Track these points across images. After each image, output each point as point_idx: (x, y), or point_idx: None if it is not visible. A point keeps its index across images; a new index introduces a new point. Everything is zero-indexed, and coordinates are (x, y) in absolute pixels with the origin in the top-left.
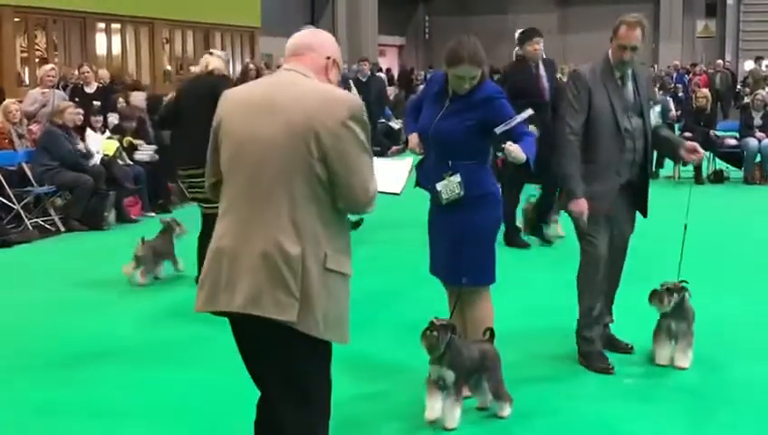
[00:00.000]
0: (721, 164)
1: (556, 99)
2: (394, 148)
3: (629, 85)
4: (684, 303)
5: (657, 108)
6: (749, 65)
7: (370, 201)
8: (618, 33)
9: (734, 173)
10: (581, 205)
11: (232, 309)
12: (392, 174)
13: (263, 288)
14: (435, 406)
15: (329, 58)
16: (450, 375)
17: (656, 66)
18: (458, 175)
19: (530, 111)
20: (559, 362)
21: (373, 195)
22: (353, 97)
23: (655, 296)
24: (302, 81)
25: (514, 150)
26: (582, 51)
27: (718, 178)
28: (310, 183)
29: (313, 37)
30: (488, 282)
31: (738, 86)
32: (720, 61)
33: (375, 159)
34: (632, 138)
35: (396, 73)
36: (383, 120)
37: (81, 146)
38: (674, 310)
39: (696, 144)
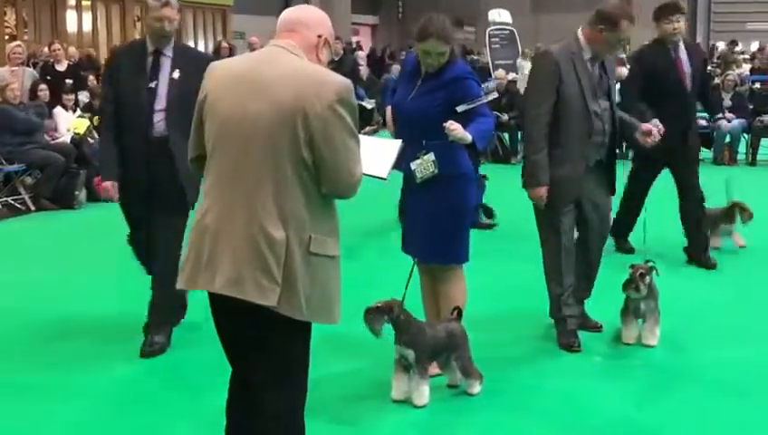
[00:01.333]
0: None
1: (703, 90)
2: (368, 128)
3: (597, 68)
4: (651, 281)
5: (617, 86)
6: (721, 47)
7: (355, 186)
8: (619, 27)
9: (704, 154)
10: (542, 192)
11: (212, 289)
12: (379, 156)
13: (244, 271)
14: (399, 386)
15: (320, 37)
16: (410, 354)
17: (628, 48)
18: (432, 154)
19: (495, 94)
20: (531, 341)
21: (358, 180)
22: (342, 79)
23: (630, 286)
24: (290, 59)
25: (456, 129)
26: (556, 31)
27: None
28: (295, 165)
29: (307, 14)
30: (461, 261)
31: (708, 67)
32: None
33: (364, 137)
34: (601, 120)
35: (366, 52)
36: (356, 101)
37: (48, 122)
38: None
39: (649, 126)
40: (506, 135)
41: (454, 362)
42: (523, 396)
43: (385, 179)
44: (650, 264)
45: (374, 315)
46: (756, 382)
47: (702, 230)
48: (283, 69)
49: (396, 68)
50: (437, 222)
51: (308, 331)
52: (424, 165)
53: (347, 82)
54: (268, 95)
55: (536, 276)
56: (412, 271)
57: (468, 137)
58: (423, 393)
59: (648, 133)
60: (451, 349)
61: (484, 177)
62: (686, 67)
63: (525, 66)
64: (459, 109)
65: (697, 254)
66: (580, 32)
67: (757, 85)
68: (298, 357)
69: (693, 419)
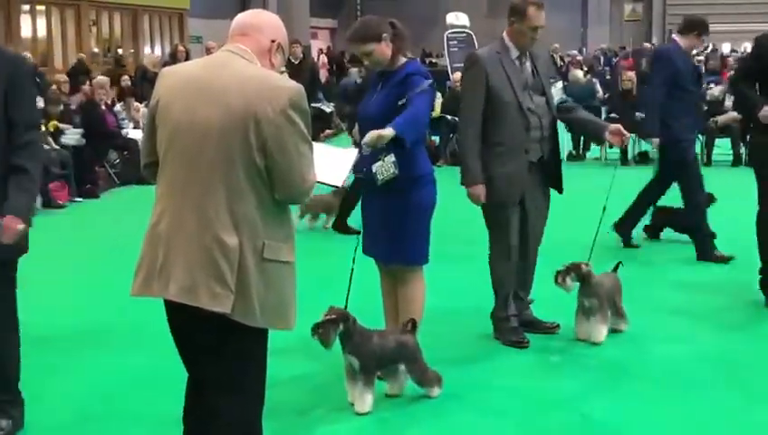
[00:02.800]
0: (646, 145)
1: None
2: (327, 131)
3: (527, 65)
4: (590, 279)
5: (559, 84)
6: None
7: (308, 191)
8: (527, 15)
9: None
10: (479, 190)
11: (166, 296)
12: (335, 165)
13: (198, 278)
14: (352, 391)
15: (274, 41)
16: (355, 362)
17: (584, 49)
18: (392, 155)
19: (427, 82)
20: (480, 340)
21: (311, 185)
22: (294, 84)
23: (557, 278)
24: (242, 64)
25: (369, 139)
26: None
27: (643, 159)
28: (248, 172)
29: (261, 18)
30: (421, 262)
31: None
32: (647, 44)
33: (321, 145)
34: (537, 115)
35: (325, 56)
36: (315, 104)
37: None
38: (584, 287)
39: (619, 126)
40: None
41: (403, 374)
42: (484, 395)
43: (338, 187)
44: (585, 263)
45: (326, 329)
46: (707, 374)
47: None
48: (235, 74)
49: (354, 72)
50: (397, 223)
51: (264, 337)
52: (385, 166)
53: (299, 87)
54: (219, 101)
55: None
56: (352, 275)
57: (387, 133)
58: (366, 401)
59: (618, 133)
60: (401, 360)
61: (711, 197)
62: None
63: None
64: (400, 102)
65: None
66: (505, 32)
67: (712, 86)
68: (253, 363)
69: (645, 413)
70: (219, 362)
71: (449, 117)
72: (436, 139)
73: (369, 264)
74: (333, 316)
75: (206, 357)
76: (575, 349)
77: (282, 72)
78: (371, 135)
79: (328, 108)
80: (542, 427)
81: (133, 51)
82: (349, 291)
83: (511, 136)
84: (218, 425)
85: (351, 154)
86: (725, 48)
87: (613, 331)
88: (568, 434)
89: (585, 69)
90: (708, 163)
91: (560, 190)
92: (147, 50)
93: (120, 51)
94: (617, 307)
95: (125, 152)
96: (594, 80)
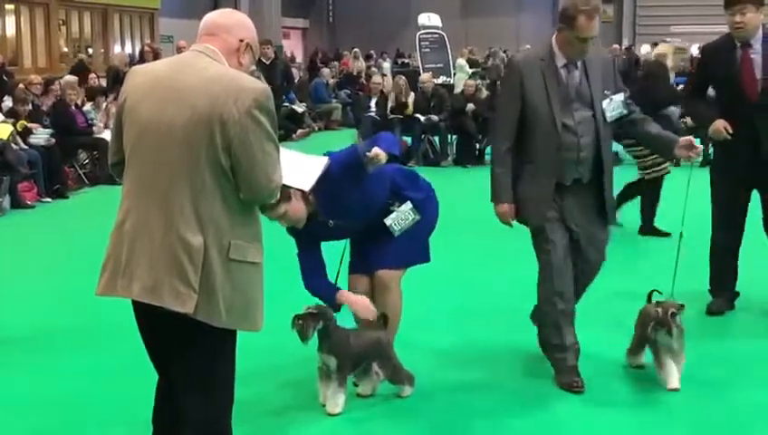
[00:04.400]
0: (616, 147)
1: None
2: (299, 131)
3: (576, 74)
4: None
5: (620, 96)
6: (645, 49)
7: (273, 192)
8: (576, 24)
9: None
10: (505, 208)
11: (129, 296)
12: (304, 169)
13: (162, 278)
14: (324, 391)
15: (242, 41)
16: (332, 361)
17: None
18: (408, 203)
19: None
20: (461, 341)
21: (277, 185)
22: (260, 85)
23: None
24: (208, 64)
25: (375, 156)
26: (485, 34)
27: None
28: (213, 172)
29: (229, 18)
30: (425, 259)
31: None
32: (616, 45)
33: (291, 152)
34: (574, 133)
35: (300, 56)
36: (287, 104)
37: None
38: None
39: (690, 138)
40: (437, 138)
41: (375, 374)
42: (457, 396)
43: (305, 192)
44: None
45: (306, 321)
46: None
47: None
48: (201, 74)
49: (326, 72)
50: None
51: (232, 336)
52: (401, 216)
53: (265, 87)
54: (185, 101)
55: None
56: (342, 258)
57: (383, 155)
58: (338, 402)
59: (690, 146)
60: (374, 357)
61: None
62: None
63: (464, 65)
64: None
65: None
66: (553, 36)
67: (680, 87)
68: (220, 365)
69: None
70: (186, 362)
71: (421, 117)
72: (408, 139)
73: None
74: (315, 311)
75: (173, 357)
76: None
77: (252, 72)
78: (378, 155)
79: (300, 108)
80: (516, 427)
81: (103, 50)
82: (338, 275)
83: (541, 154)
84: (187, 425)
85: (322, 162)
86: (694, 50)
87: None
88: None
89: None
90: (677, 164)
91: (606, 220)
92: (117, 49)
93: (89, 50)
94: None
95: (95, 152)
96: None
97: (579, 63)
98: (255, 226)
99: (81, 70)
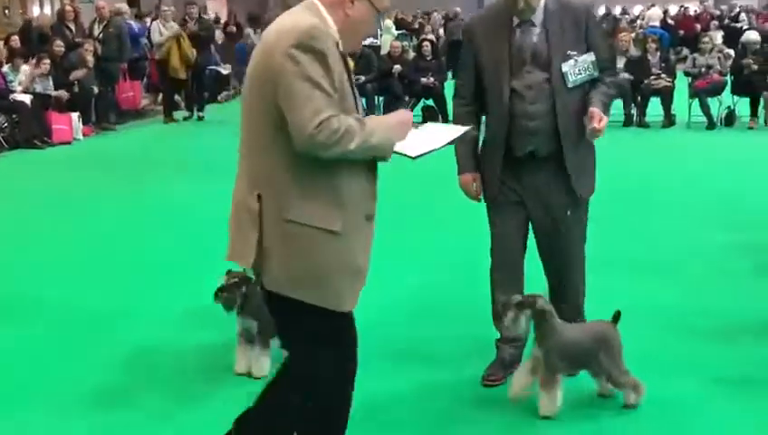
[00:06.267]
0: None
1: None
2: (224, 93)
3: (533, 32)
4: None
5: (588, 56)
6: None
7: (314, 140)
8: None
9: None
10: (466, 179)
11: (226, 258)
12: (429, 138)
13: (233, 235)
14: (242, 359)
15: None
16: (254, 325)
17: None
18: (589, 54)
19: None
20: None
21: (317, 134)
22: (306, 24)
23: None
24: (291, 14)
25: None
26: None
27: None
28: (268, 125)
29: None
30: None
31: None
32: None
33: (430, 125)
34: (523, 99)
35: (224, 17)
36: (211, 66)
37: None
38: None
39: (594, 109)
40: (364, 100)
41: None
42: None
43: (413, 158)
44: None
45: (231, 292)
46: None
47: None
48: (276, 25)
49: (251, 33)
50: None
51: (315, 316)
52: (579, 66)
53: (310, 25)
54: (255, 55)
55: None
56: None
57: None
58: (263, 365)
59: (592, 118)
60: None
61: None
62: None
63: (391, 26)
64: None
65: None
66: None
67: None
68: (303, 344)
69: None
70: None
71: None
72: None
73: None
74: (237, 280)
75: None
76: None
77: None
78: None
79: (225, 70)
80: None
81: (21, 11)
82: None
83: (495, 123)
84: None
85: (457, 130)
86: (617, 11)
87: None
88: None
89: None
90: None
91: (575, 197)
92: (36, 10)
93: (6, 12)
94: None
95: (14, 115)
96: None
97: (538, 20)
98: (332, 188)
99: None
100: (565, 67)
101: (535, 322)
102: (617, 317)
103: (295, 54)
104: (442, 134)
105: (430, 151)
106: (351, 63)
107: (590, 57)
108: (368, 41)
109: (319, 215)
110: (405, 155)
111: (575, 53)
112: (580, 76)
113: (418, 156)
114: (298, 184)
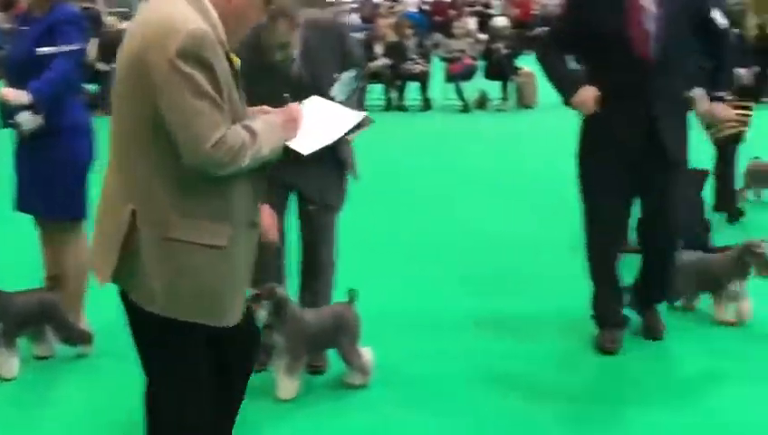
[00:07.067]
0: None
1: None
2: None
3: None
4: None
5: (350, 73)
6: None
7: (212, 158)
8: None
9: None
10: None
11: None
12: (327, 127)
13: (96, 247)
14: None
15: None
16: None
17: None
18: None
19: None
20: None
21: (215, 152)
22: (191, 25)
23: None
24: (167, 2)
25: (5, 94)
26: None
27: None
28: (144, 129)
29: None
30: (79, 216)
31: None
32: None
33: (324, 102)
34: None
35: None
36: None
37: None
38: None
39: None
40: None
41: (51, 335)
42: None
43: (302, 155)
44: None
45: None
46: None
47: None
48: (149, 14)
49: None
50: (48, 178)
51: (179, 329)
52: (30, 119)
53: (197, 31)
54: (124, 46)
55: None
56: None
57: (20, 98)
58: (11, 367)
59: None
60: (45, 320)
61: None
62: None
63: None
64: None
65: None
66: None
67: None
68: (158, 359)
69: None
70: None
71: (106, 66)
72: (93, 87)
73: None
74: None
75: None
76: None
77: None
78: (4, 93)
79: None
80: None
81: None
82: None
83: None
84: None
85: (351, 117)
86: None
87: None
88: None
89: None
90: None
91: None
92: None
93: None
94: None
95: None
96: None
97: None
98: (219, 201)
99: None
100: (333, 91)
101: (274, 311)
102: (352, 298)
103: (180, 66)
104: (336, 122)
105: (324, 146)
106: (237, 61)
107: (351, 74)
108: (125, 24)
109: (204, 230)
110: (296, 152)
111: (338, 74)
112: (343, 94)
113: (311, 153)
114: (180, 196)
